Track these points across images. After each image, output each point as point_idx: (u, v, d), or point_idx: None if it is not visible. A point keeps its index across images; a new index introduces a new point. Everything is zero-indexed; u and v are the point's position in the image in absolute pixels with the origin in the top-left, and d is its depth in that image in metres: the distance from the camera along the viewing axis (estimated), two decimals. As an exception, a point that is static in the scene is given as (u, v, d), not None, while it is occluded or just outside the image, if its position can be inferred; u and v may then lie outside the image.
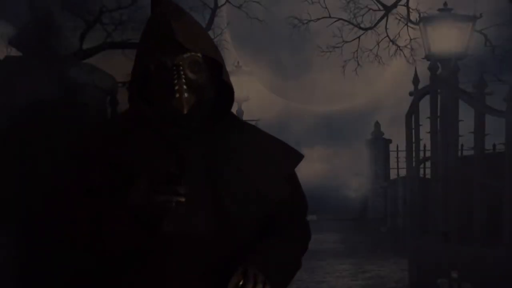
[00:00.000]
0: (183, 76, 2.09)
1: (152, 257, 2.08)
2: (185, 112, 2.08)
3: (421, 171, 9.57)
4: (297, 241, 2.28)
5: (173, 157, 2.10)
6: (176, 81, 2.08)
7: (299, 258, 2.28)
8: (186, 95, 2.08)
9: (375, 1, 15.05)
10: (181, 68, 2.09)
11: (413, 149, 8.92)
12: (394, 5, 15.00)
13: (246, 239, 2.13)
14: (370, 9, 15.19)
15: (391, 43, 15.38)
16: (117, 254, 2.07)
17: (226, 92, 2.18)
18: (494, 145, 11.66)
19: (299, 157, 2.29)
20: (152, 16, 2.16)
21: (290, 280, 2.22)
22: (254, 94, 14.28)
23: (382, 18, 15.21)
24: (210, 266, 2.09)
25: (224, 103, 2.19)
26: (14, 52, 5.46)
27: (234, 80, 2.23)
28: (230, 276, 2.04)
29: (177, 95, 2.07)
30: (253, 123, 2.35)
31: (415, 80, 8.83)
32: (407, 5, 14.89)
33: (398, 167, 17.08)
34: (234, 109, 2.27)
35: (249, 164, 2.17)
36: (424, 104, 8.70)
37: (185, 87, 2.08)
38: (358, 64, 15.65)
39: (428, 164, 9.34)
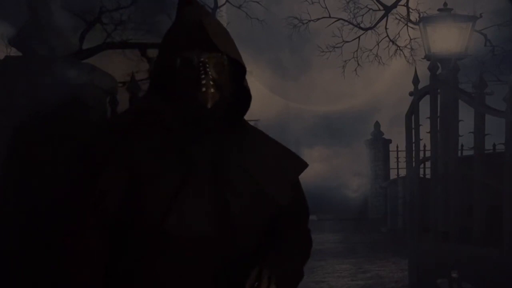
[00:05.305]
0: (209, 73, 2.13)
1: (156, 259, 2.08)
2: (209, 106, 2.12)
3: (421, 171, 9.56)
4: (302, 251, 2.30)
5: (181, 158, 2.11)
6: (203, 76, 2.11)
7: (303, 267, 2.29)
8: (212, 90, 2.13)
9: (375, 1, 15.03)
10: (207, 65, 2.13)
11: (413, 149, 8.91)
12: (394, 5, 14.98)
13: (249, 241, 2.14)
14: (370, 9, 15.16)
15: (391, 43, 15.36)
16: (123, 256, 2.09)
17: (242, 97, 2.22)
18: (494, 145, 11.66)
19: (304, 165, 2.32)
20: (181, 14, 2.19)
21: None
22: (254, 94, 14.12)
23: (382, 18, 15.18)
24: (213, 267, 2.09)
25: (239, 108, 2.23)
26: (14, 52, 5.45)
27: (234, 79, 2.26)
28: (235, 277, 2.06)
29: (204, 89, 2.12)
30: (252, 123, 2.37)
31: (415, 80, 8.81)
32: (407, 5, 14.87)
33: (398, 167, 17.07)
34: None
35: (256, 168, 2.19)
36: (424, 104, 8.68)
37: (211, 82, 2.13)
38: (358, 64, 15.63)
39: (428, 164, 9.33)
